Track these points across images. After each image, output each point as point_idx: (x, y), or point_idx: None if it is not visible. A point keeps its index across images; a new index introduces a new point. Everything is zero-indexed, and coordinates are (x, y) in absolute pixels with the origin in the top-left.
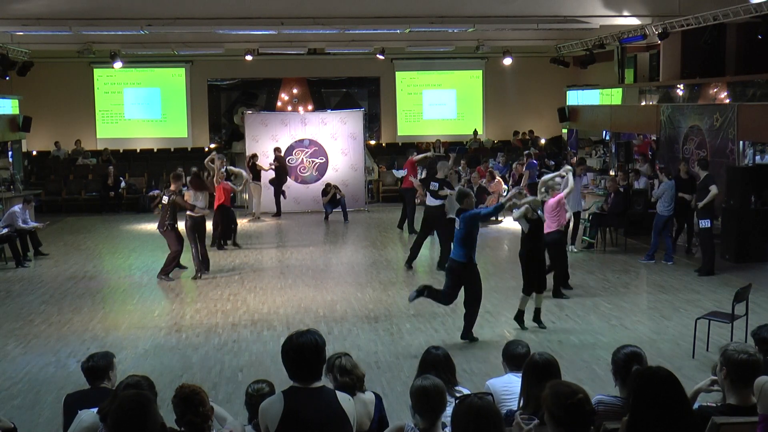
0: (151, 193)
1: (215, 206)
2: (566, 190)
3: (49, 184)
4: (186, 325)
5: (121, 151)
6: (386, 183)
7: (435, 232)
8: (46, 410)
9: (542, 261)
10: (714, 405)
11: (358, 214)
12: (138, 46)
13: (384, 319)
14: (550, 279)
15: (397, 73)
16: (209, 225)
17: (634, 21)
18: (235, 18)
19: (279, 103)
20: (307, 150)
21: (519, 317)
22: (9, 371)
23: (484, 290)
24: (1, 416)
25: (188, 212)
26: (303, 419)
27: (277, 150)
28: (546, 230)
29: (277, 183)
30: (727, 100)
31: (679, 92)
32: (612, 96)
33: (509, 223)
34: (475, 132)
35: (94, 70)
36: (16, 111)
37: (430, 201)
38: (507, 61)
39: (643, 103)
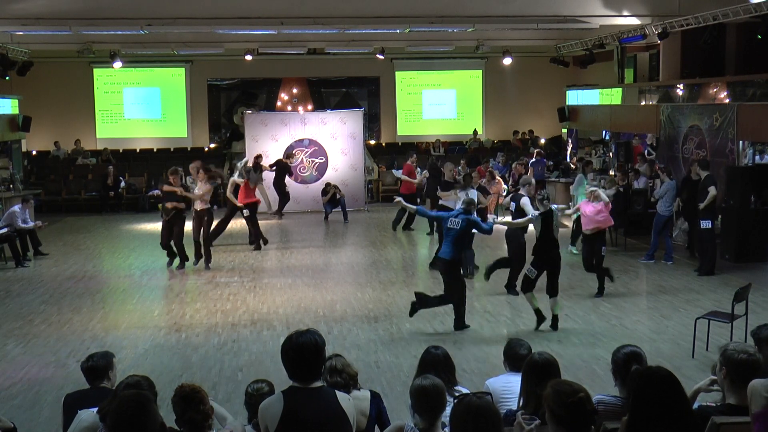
0: (150, 193)
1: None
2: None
3: (49, 183)
4: (186, 324)
5: (121, 150)
6: (386, 183)
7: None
8: (45, 410)
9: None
10: (714, 405)
11: (357, 213)
12: (138, 46)
13: (384, 319)
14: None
15: (397, 73)
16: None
17: (634, 21)
18: (234, 18)
19: (279, 103)
20: (306, 150)
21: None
22: (9, 371)
23: (483, 290)
24: (1, 416)
25: (193, 206)
26: (303, 419)
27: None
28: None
29: (278, 184)
30: (727, 100)
31: (679, 92)
32: (612, 96)
33: None
34: (475, 132)
35: (94, 69)
36: (16, 111)
37: (447, 202)
38: (507, 61)
39: (643, 103)
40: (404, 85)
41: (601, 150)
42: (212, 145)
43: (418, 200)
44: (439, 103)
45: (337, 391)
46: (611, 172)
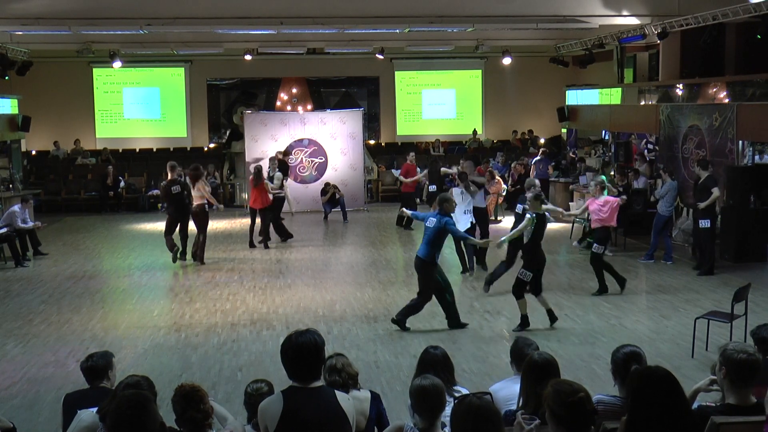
0: (150, 193)
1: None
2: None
3: (49, 183)
4: (185, 324)
5: (121, 150)
6: (385, 183)
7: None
8: (45, 410)
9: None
10: (713, 405)
11: (357, 213)
12: (137, 46)
13: (383, 319)
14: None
15: (397, 73)
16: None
17: (634, 21)
18: (234, 18)
19: (278, 103)
20: (306, 150)
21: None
22: (8, 371)
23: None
24: (1, 416)
25: (195, 202)
26: (302, 419)
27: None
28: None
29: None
30: (727, 100)
31: (679, 92)
32: (611, 96)
33: (508, 223)
34: (475, 132)
35: (94, 69)
36: (16, 110)
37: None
38: (506, 61)
39: (643, 103)
40: (404, 85)
41: (601, 150)
42: (212, 145)
43: (418, 200)
44: (438, 103)
45: (336, 391)
46: (611, 172)
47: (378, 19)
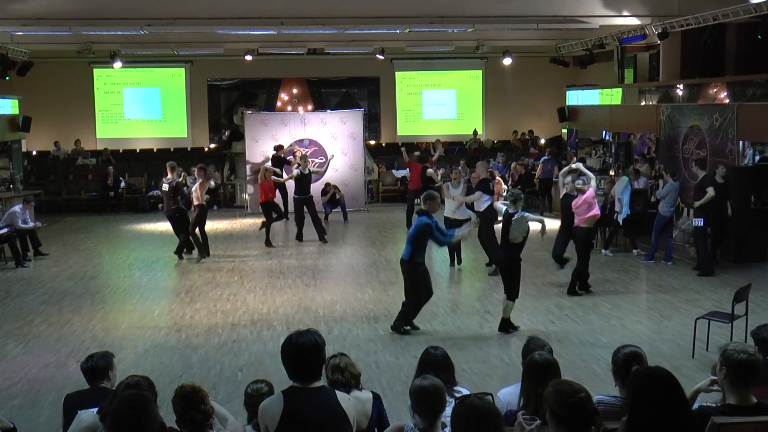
0: (150, 193)
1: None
2: (592, 188)
3: (49, 184)
4: (186, 325)
5: (121, 151)
6: (386, 183)
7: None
8: (45, 410)
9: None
10: (714, 405)
11: (357, 214)
12: (138, 46)
13: (384, 319)
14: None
15: (397, 73)
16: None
17: (634, 21)
18: (234, 18)
19: (279, 103)
20: (306, 150)
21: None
22: (9, 371)
23: (481, 291)
24: (1, 416)
25: (195, 201)
26: (303, 419)
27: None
28: (584, 216)
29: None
30: (727, 100)
31: (679, 92)
32: (612, 96)
33: None
34: (475, 132)
35: (94, 70)
36: (16, 111)
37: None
38: (507, 61)
39: (643, 103)
40: (404, 85)
41: (601, 150)
42: (212, 145)
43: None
44: (439, 104)
45: (337, 391)
46: (611, 173)
47: (378, 19)
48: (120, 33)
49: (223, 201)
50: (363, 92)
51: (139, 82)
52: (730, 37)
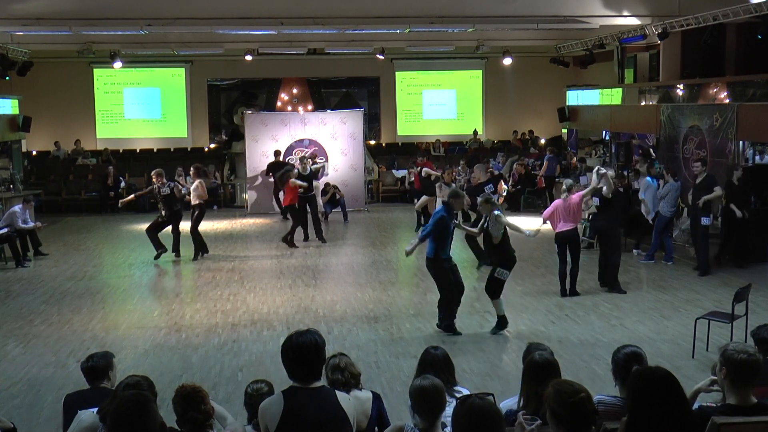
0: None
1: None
2: (586, 190)
3: (49, 184)
4: (186, 325)
5: (121, 151)
6: (386, 183)
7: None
8: (45, 410)
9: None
10: (714, 405)
11: (357, 214)
12: (138, 46)
13: (384, 319)
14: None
15: (397, 73)
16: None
17: (634, 21)
18: (235, 18)
19: (279, 103)
20: (306, 150)
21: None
22: (9, 371)
23: (481, 291)
24: (1, 416)
25: (195, 201)
26: (303, 419)
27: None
28: (564, 227)
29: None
30: (727, 100)
31: (679, 92)
32: (612, 96)
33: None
34: (475, 132)
35: (94, 70)
36: (16, 111)
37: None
38: (507, 61)
39: (643, 103)
40: (404, 86)
41: (601, 150)
42: (212, 146)
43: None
44: (439, 104)
45: (337, 391)
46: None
47: (378, 19)
48: (120, 33)
49: (223, 201)
50: (363, 92)
51: (139, 82)
52: (730, 37)
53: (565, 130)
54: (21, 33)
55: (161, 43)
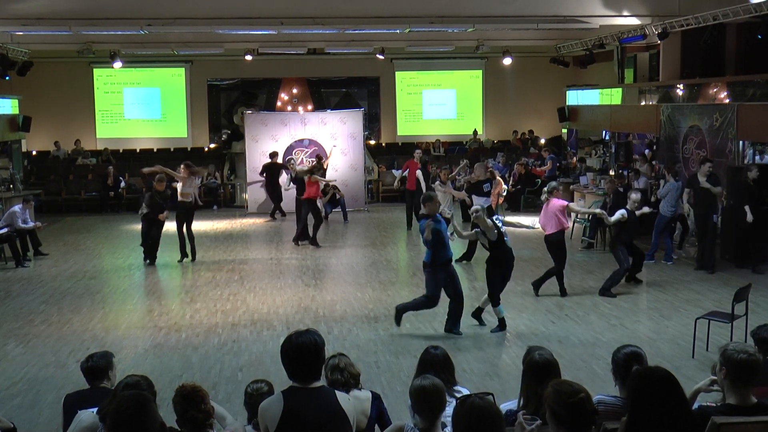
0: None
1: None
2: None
3: (49, 184)
4: (186, 325)
5: (121, 151)
6: (386, 183)
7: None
8: (45, 410)
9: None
10: (714, 405)
11: (357, 214)
12: (138, 46)
13: (384, 319)
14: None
15: (397, 73)
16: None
17: (634, 21)
18: (235, 18)
19: (279, 103)
20: (306, 150)
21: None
22: (9, 371)
23: (481, 291)
24: (1, 416)
25: (180, 198)
26: (303, 419)
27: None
28: (548, 231)
29: (271, 186)
30: (727, 100)
31: (679, 92)
32: (612, 96)
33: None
34: (475, 132)
35: (94, 70)
36: (16, 111)
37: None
38: (507, 61)
39: (643, 103)
40: (404, 85)
41: (601, 150)
42: (212, 145)
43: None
44: (439, 103)
45: (336, 391)
46: (611, 172)
47: (378, 19)
48: (120, 33)
49: (223, 201)
50: (363, 92)
51: (139, 82)
52: (730, 37)
53: (565, 130)
54: (21, 33)
55: (161, 43)
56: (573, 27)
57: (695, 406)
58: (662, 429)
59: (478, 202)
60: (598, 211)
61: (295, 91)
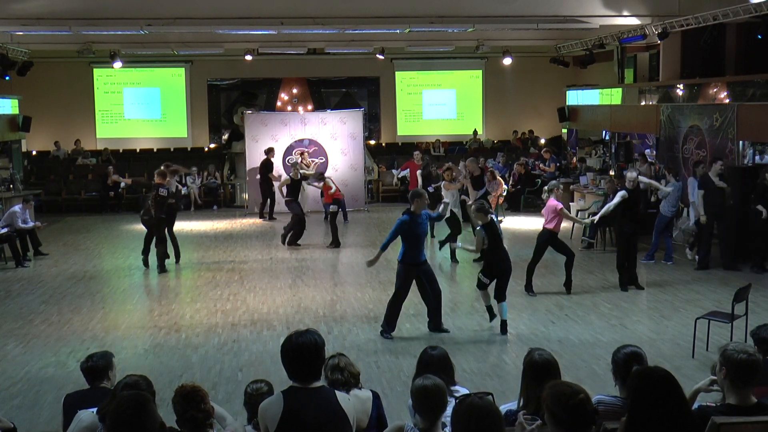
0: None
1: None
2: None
3: (49, 184)
4: (186, 325)
5: (121, 151)
6: (386, 183)
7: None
8: (45, 410)
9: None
10: (714, 405)
11: (357, 213)
12: (138, 46)
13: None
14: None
15: (397, 73)
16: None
17: (634, 21)
18: (235, 18)
19: (279, 103)
20: (306, 150)
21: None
22: (9, 371)
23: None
24: (1, 416)
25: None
26: (303, 419)
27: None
28: (545, 226)
29: (264, 184)
30: (727, 100)
31: (679, 92)
32: (612, 96)
33: (509, 224)
34: (475, 132)
35: (94, 70)
36: (16, 111)
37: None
38: (507, 61)
39: (643, 103)
40: (404, 85)
41: (601, 150)
42: (212, 145)
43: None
44: (439, 103)
45: (336, 391)
46: (611, 173)
47: (378, 19)
48: (120, 33)
49: (223, 201)
50: (363, 92)
51: (139, 82)
52: (730, 37)
53: (565, 130)
54: (21, 33)
55: (161, 43)
56: (573, 27)
57: (695, 406)
58: (662, 429)
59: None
60: (587, 221)
61: (295, 91)
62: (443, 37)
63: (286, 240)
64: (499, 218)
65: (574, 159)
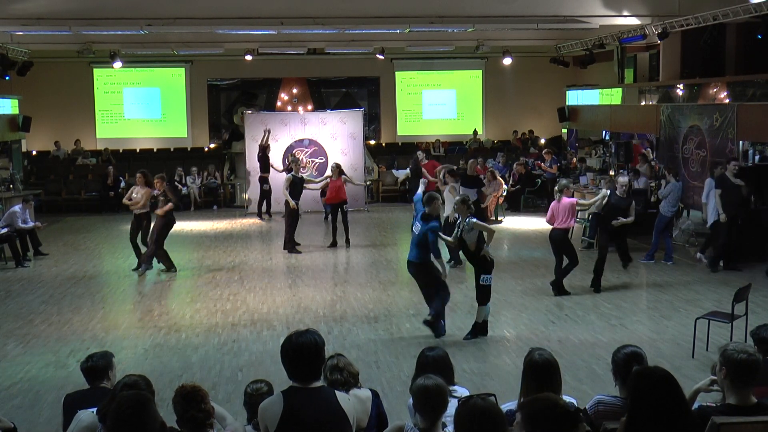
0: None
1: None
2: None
3: (49, 184)
4: (186, 325)
5: (121, 151)
6: (386, 183)
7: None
8: (45, 410)
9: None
10: (714, 405)
11: (357, 214)
12: (138, 46)
13: (384, 319)
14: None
15: (397, 73)
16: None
17: (634, 21)
18: (235, 18)
19: (279, 103)
20: (306, 150)
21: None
22: (9, 371)
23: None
24: (1, 416)
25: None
26: (302, 419)
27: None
28: (557, 226)
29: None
30: (727, 100)
31: (679, 92)
32: (612, 96)
33: (509, 224)
34: (475, 132)
35: (94, 70)
36: (16, 111)
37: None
38: (507, 61)
39: (643, 103)
40: (404, 85)
41: (601, 150)
42: (212, 145)
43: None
44: (439, 103)
45: (336, 391)
46: (611, 173)
47: (378, 19)
48: (120, 33)
49: (223, 201)
50: (363, 92)
51: (139, 82)
52: (730, 37)
53: (565, 130)
54: (21, 33)
55: (161, 43)
56: (573, 27)
57: (695, 406)
58: (662, 429)
59: (467, 193)
60: (604, 192)
61: (295, 91)
62: (443, 37)
63: (287, 246)
64: (499, 218)
65: (574, 159)
